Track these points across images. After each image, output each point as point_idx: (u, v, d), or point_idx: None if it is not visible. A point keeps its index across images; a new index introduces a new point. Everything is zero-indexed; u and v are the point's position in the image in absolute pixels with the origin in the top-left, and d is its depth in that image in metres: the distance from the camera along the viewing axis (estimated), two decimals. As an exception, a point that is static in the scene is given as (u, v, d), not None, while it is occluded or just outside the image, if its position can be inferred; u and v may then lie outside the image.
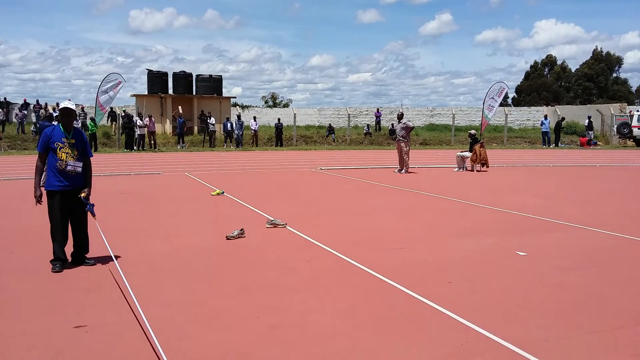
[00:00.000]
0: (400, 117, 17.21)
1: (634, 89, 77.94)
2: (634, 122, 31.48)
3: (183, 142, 28.35)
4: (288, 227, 8.01)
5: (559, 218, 8.76)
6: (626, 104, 41.17)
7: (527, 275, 5.64)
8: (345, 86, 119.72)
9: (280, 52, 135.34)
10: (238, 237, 7.34)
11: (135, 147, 26.58)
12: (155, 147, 27.23)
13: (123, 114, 27.56)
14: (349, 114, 36.11)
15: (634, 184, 14.02)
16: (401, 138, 16.47)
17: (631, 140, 32.18)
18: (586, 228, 8.02)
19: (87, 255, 6.05)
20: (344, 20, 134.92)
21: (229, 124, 30.03)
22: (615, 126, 32.81)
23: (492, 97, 27.81)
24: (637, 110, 34.00)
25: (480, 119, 29.57)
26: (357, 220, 8.79)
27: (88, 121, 26.49)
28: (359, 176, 15.63)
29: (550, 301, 4.82)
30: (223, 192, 11.74)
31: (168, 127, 32.70)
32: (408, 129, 16.61)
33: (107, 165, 18.63)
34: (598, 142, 32.42)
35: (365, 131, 35.48)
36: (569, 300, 4.83)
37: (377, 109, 39.43)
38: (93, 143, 25.42)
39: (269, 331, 4.13)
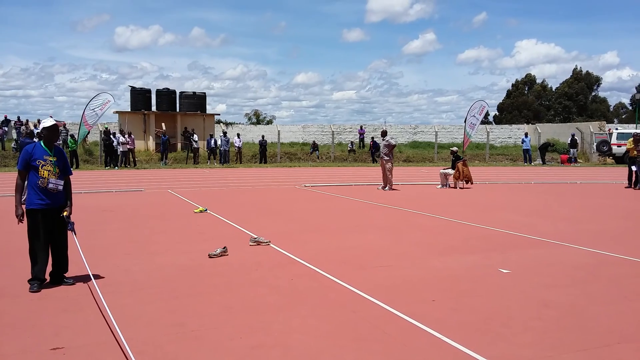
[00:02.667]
0: (383, 134, 17.30)
1: (612, 107, 79.48)
2: (613, 140, 32.01)
3: (166, 159, 28.18)
4: (271, 245, 7.95)
5: (541, 235, 8.82)
6: (605, 122, 41.90)
7: (511, 292, 5.65)
8: (330, 103, 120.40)
9: (265, 69, 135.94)
10: (221, 255, 7.26)
11: (118, 165, 26.35)
12: (135, 165, 27.00)
13: (104, 131, 27.34)
14: (332, 131, 36.23)
15: (614, 201, 14.20)
16: (384, 155, 16.54)
17: (611, 157, 32.69)
18: (569, 245, 8.08)
19: (66, 275, 5.93)
20: (329, 39, 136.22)
21: (212, 141, 29.94)
22: (595, 144, 33.34)
23: (474, 115, 28.12)
24: (616, 129, 34.64)
25: (463, 136, 29.85)
26: (341, 237, 8.75)
27: (68, 138, 26.26)
28: (343, 193, 15.62)
29: (534, 319, 4.82)
30: (206, 210, 11.64)
31: (151, 143, 32.50)
32: (390, 147, 16.69)
33: (88, 182, 18.42)
34: (578, 160, 32.88)
35: (349, 148, 35.60)
36: (552, 318, 4.83)
37: (361, 126, 39.63)
38: (74, 160, 25.16)
39: (251, 352, 4.07)
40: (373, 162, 31.36)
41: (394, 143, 17.14)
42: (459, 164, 17.22)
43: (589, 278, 6.26)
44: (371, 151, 33.01)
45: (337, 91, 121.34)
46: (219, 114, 46.19)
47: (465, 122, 29.24)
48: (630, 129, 36.17)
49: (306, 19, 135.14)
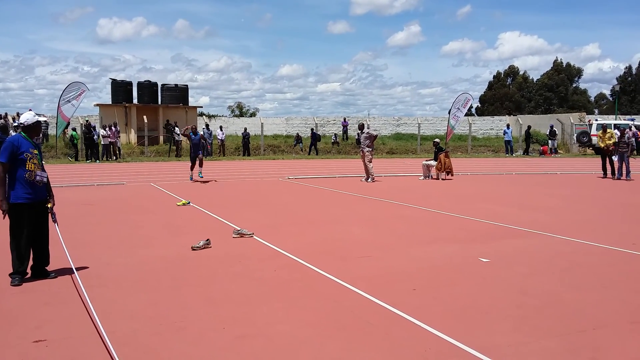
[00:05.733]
0: (361, 127, 17.33)
1: (592, 98, 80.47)
2: (593, 131, 32.44)
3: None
4: (255, 237, 7.98)
5: (521, 225, 8.95)
6: (585, 113, 42.45)
7: (491, 281, 5.75)
8: (314, 96, 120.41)
9: (249, 61, 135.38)
10: (204, 248, 7.27)
11: (99, 158, 26.11)
12: (116, 158, 26.77)
13: (85, 124, 27.04)
14: (316, 124, 36.22)
15: (593, 192, 14.44)
16: (365, 147, 16.60)
17: (590, 148, 33.14)
18: (548, 234, 8.22)
19: (48, 268, 5.89)
20: (315, 31, 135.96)
21: (180, 131, 29.75)
22: (575, 135, 33.78)
23: (458, 108, 28.33)
24: (596, 119, 35.11)
25: (446, 128, 30.06)
26: (324, 229, 8.81)
27: (70, 132, 26.21)
28: (327, 185, 15.67)
29: (513, 307, 4.91)
30: (189, 202, 11.61)
31: (133, 136, 32.22)
32: (372, 138, 16.75)
33: (69, 176, 18.23)
34: (559, 151, 33.30)
35: (332, 140, 35.63)
36: (531, 306, 4.94)
37: (344, 119, 39.67)
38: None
39: (235, 342, 4.10)
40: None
41: (375, 134, 17.19)
42: (441, 156, 17.36)
43: (566, 266, 6.39)
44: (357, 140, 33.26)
45: (321, 83, 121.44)
46: (202, 107, 45.90)
47: (449, 114, 29.44)
48: (610, 119, 36.71)
49: (291, 11, 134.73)
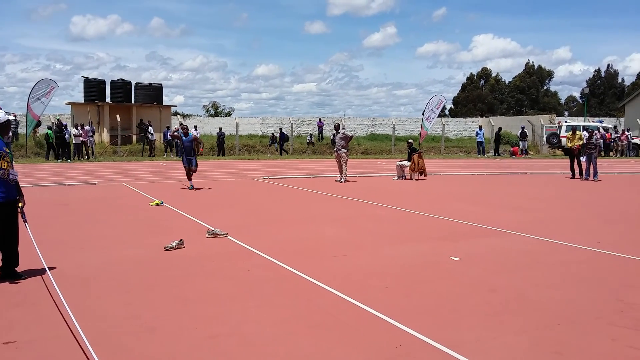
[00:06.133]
0: (337, 127, 17.44)
1: (563, 101, 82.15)
2: (563, 133, 33.12)
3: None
4: (229, 237, 7.99)
5: (491, 224, 9.14)
6: (555, 115, 43.32)
7: (460, 279, 5.87)
8: (290, 96, 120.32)
9: (225, 61, 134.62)
10: (177, 248, 7.25)
11: (71, 158, 25.70)
12: (88, 158, 26.38)
13: (56, 122, 26.60)
14: (292, 124, 36.24)
15: (562, 192, 14.78)
16: (341, 148, 16.70)
17: (560, 149, 33.84)
18: (516, 233, 8.41)
19: (17, 269, 5.82)
20: (291, 31, 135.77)
21: (168, 133, 29.50)
22: (545, 136, 34.46)
23: (431, 109, 28.68)
24: (566, 121, 35.87)
25: (420, 129, 30.37)
26: (298, 228, 8.86)
27: (46, 130, 25.84)
28: (302, 185, 15.72)
29: (481, 304, 5.04)
30: (162, 203, 11.54)
31: (105, 136, 31.79)
32: (347, 139, 16.87)
33: (40, 175, 17.93)
34: (529, 152, 33.93)
35: (308, 140, 35.70)
36: (498, 303, 5.07)
37: (320, 119, 39.78)
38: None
39: (208, 341, 4.13)
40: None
41: (350, 135, 17.33)
42: (415, 156, 17.56)
43: (533, 264, 6.55)
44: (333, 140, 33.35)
45: (297, 83, 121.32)
46: (176, 106, 45.62)
47: (423, 115, 29.76)
48: (580, 122, 37.56)
49: (267, 10, 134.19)
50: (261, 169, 21.88)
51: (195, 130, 30.60)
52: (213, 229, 8.28)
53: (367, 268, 6.34)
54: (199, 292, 5.36)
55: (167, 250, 7.15)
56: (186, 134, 14.51)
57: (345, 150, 16.76)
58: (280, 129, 33.16)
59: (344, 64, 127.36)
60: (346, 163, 16.76)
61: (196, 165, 14.46)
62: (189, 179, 14.44)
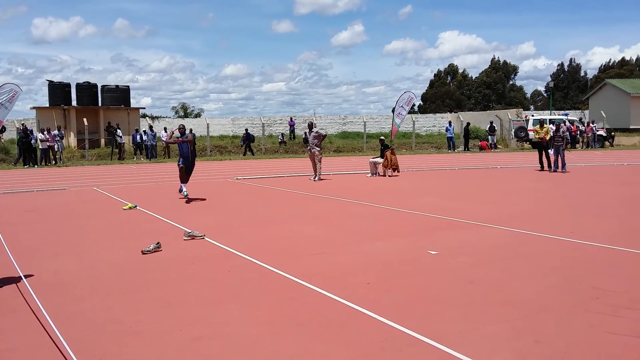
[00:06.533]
0: (310, 126, 17.47)
1: (528, 95, 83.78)
2: (530, 126, 33.80)
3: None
4: (206, 239, 7.93)
5: (466, 218, 9.28)
6: (522, 109, 44.16)
7: (439, 272, 5.95)
8: (260, 95, 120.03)
9: (192, 61, 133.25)
10: (155, 251, 7.17)
11: (38, 163, 25.11)
12: (55, 162, 25.81)
13: (22, 128, 25.95)
14: (263, 124, 36.10)
15: (532, 184, 15.09)
16: (314, 146, 16.73)
17: (527, 143, 34.51)
18: (490, 226, 8.56)
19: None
20: (258, 30, 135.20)
21: (138, 136, 29.09)
22: (513, 130, 35.12)
23: (402, 106, 28.87)
24: (532, 115, 36.61)
25: (391, 126, 30.60)
26: (276, 228, 8.84)
27: (17, 136, 25.14)
28: (276, 185, 15.69)
29: (461, 296, 5.12)
30: (135, 206, 11.39)
31: (72, 140, 31.16)
32: (320, 137, 16.91)
33: (7, 182, 17.48)
34: (498, 146, 34.52)
35: (280, 140, 35.63)
36: (477, 294, 5.16)
37: (291, 118, 39.76)
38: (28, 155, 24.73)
39: (192, 343, 4.10)
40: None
41: (324, 133, 17.41)
42: (388, 153, 17.70)
43: (509, 256, 6.69)
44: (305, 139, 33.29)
45: (266, 83, 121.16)
46: (144, 108, 44.97)
47: (393, 112, 29.98)
48: (546, 115, 38.38)
49: (234, 10, 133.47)
50: (234, 169, 21.75)
51: (165, 132, 30.24)
52: (190, 230, 8.20)
53: (348, 265, 6.38)
54: (181, 295, 5.31)
55: (144, 253, 7.06)
56: (182, 133, 12.88)
57: (319, 149, 16.80)
58: (246, 130, 32.91)
59: (313, 63, 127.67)
60: (320, 161, 16.80)
61: (192, 168, 13.04)
62: (183, 181, 12.77)
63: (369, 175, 18.15)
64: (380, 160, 18.07)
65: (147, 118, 41.56)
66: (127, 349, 4.01)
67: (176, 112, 66.20)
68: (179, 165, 12.78)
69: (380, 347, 3.96)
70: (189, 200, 12.38)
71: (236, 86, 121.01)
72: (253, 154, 31.04)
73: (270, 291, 5.40)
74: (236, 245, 7.45)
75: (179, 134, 12.90)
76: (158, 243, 7.35)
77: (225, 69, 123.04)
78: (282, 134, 37.07)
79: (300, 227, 8.86)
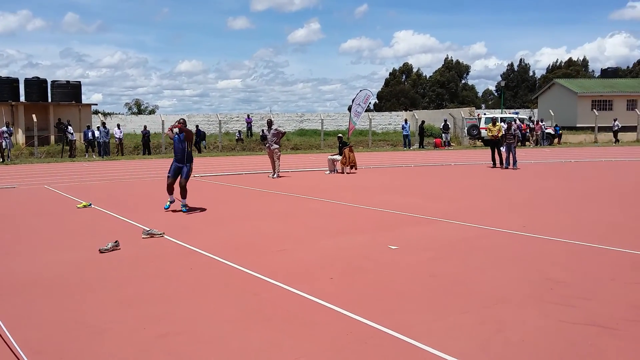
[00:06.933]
0: (269, 123, 17.44)
1: (480, 94, 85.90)
2: (482, 125, 34.68)
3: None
4: (166, 237, 7.82)
5: (423, 213, 9.47)
6: (474, 108, 45.26)
7: (401, 267, 6.07)
8: (215, 92, 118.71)
9: (145, 57, 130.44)
10: (113, 250, 7.03)
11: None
12: (3, 160, 24.83)
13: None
14: (220, 120, 35.73)
15: (485, 181, 15.51)
16: (273, 144, 16.71)
17: (480, 140, 35.42)
18: (447, 221, 8.77)
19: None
20: (214, 27, 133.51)
21: (90, 133, 28.31)
22: (466, 128, 35.97)
23: (359, 104, 29.07)
24: (484, 114, 37.59)
25: (348, 123, 30.81)
26: (237, 225, 8.80)
27: None
28: (235, 182, 15.59)
29: (423, 288, 5.24)
30: (90, 204, 11.10)
31: (20, 137, 30.05)
32: (279, 135, 16.91)
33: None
34: (451, 143, 35.28)
35: (237, 137, 35.35)
36: (439, 287, 5.29)
37: (248, 115, 39.49)
38: None
39: (157, 341, 4.05)
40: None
41: (283, 131, 17.42)
42: (346, 150, 17.84)
43: (467, 249, 6.88)
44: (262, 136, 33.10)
45: (222, 80, 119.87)
46: (96, 104, 43.72)
47: (350, 110, 30.19)
48: (497, 113, 39.44)
49: (189, 5, 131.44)
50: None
51: (119, 129, 29.55)
52: (149, 229, 8.07)
53: (310, 261, 6.42)
54: (143, 293, 5.24)
55: (102, 252, 6.91)
56: (183, 130, 10.36)
57: (278, 146, 16.79)
58: (197, 126, 32.43)
59: (269, 60, 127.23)
60: (279, 159, 16.80)
61: (187, 176, 10.35)
62: (170, 192, 10.42)
63: (328, 172, 18.25)
64: (338, 157, 18.19)
65: (100, 115, 40.46)
66: (90, 349, 3.93)
67: (129, 109, 64.80)
68: (168, 176, 10.49)
69: (346, 340, 4.02)
70: (190, 210, 10.28)
71: (191, 83, 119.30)
72: (199, 152, 30.60)
73: (233, 288, 5.39)
74: (197, 243, 7.38)
75: (177, 131, 10.46)
76: (116, 242, 7.20)
77: (179, 65, 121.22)
78: (240, 131, 36.77)
79: (261, 224, 8.84)
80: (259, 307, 4.80)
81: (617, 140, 35.76)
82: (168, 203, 10.41)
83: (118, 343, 4.03)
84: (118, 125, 30.26)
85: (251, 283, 5.53)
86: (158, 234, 7.91)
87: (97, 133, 28.05)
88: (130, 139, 33.49)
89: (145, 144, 30.02)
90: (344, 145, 18.21)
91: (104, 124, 28.71)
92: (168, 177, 10.44)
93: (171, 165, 10.48)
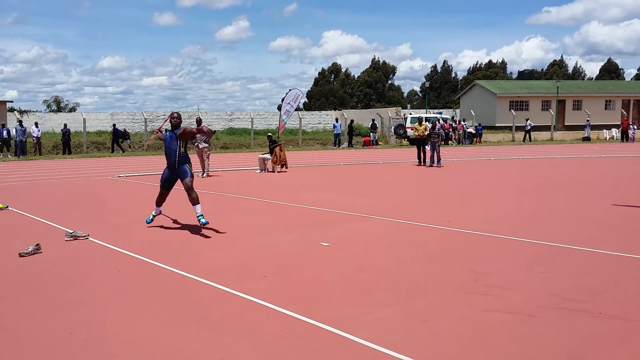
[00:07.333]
0: (198, 122, 17.15)
1: (405, 94, 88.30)
2: (408, 124, 35.71)
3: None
4: (91, 239, 7.56)
5: (352, 210, 9.67)
6: (400, 107, 46.51)
7: (332, 262, 6.19)
8: (140, 90, 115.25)
9: (65, 52, 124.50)
10: (34, 253, 6.72)
11: None
12: None
13: None
14: (145, 119, 34.73)
15: (411, 178, 16.01)
16: (202, 142, 16.47)
17: (406, 139, 36.46)
18: (375, 217, 9.00)
19: None
20: (139, 22, 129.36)
21: (4, 131, 26.76)
22: (393, 127, 36.94)
23: (289, 102, 29.19)
24: (410, 113, 38.72)
25: (278, 122, 30.84)
26: (166, 225, 8.63)
27: None
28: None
29: (354, 283, 5.38)
30: (7, 207, 10.53)
31: None
32: (209, 133, 16.68)
33: None
34: (379, 142, 36.11)
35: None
36: (369, 281, 5.44)
37: (175, 114, 38.61)
38: None
39: (86, 345, 3.94)
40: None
41: (212, 130, 17.18)
42: (277, 149, 17.86)
43: (394, 244, 7.11)
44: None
45: (147, 77, 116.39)
46: (12, 101, 41.37)
47: (280, 109, 30.22)
48: (422, 113, 40.69)
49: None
50: (114, 166, 20.75)
51: (37, 127, 28.12)
52: (72, 231, 7.77)
53: (243, 259, 6.42)
54: (69, 297, 5.05)
55: (22, 256, 6.59)
56: (176, 126, 8.35)
57: (207, 145, 16.57)
58: (114, 125, 31.35)
59: (197, 57, 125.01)
60: (208, 158, 16.59)
61: (190, 174, 8.22)
62: (159, 200, 8.53)
63: (258, 171, 18.20)
64: (269, 156, 18.19)
65: (16, 112, 38.28)
66: (16, 355, 3.76)
67: (48, 106, 61.63)
68: (160, 183, 8.54)
69: (280, 336, 4.07)
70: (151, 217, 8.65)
71: (114, 79, 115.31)
72: (123, 151, 29.72)
73: (164, 289, 5.31)
74: (123, 244, 7.19)
75: (168, 127, 8.66)
76: (37, 245, 6.89)
77: (101, 61, 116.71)
78: (167, 130, 35.87)
79: (192, 224, 8.71)
80: (191, 307, 4.76)
81: (530, 139, 37.84)
82: (151, 216, 8.42)
83: (46, 349, 3.88)
84: (36, 124, 28.76)
85: (183, 283, 5.47)
86: (82, 236, 7.63)
87: (12, 132, 26.54)
88: (49, 137, 31.94)
89: (66, 143, 28.72)
90: (274, 143, 18.22)
91: (20, 122, 27.22)
92: (160, 187, 8.46)
93: (163, 172, 8.45)
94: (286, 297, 4.95)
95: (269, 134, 19.50)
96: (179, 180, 8.36)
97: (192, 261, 6.30)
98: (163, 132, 8.89)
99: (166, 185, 8.42)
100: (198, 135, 16.58)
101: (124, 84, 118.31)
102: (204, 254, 6.68)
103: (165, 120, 9.13)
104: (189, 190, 7.99)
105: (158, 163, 22.19)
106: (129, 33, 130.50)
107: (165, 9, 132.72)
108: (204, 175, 16.40)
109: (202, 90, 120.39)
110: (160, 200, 8.56)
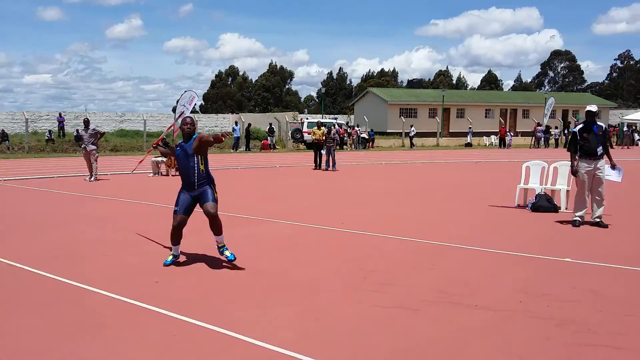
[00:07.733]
0: (86, 123, 16.33)
1: (302, 99, 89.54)
2: (305, 129, 36.26)
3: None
4: (-36, 248, 6.99)
5: (249, 213, 9.71)
6: (298, 112, 47.14)
7: (228, 266, 6.20)
8: (20, 88, 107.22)
9: None
10: None
11: None
12: None
13: None
14: (26, 119, 32.38)
15: (307, 180, 16.32)
16: (90, 144, 15.71)
17: (303, 144, 37.00)
18: (272, 220, 9.12)
19: None
20: (21, 16, 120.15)
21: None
22: (290, 132, 37.35)
23: (183, 105, 28.51)
24: (307, 118, 39.36)
25: (173, 125, 30.05)
26: (51, 233, 8.17)
27: None
28: (46, 186, 14.32)
29: (250, 285, 5.45)
30: None
31: None
32: (97, 135, 15.97)
33: None
34: (277, 146, 36.34)
35: (47, 137, 32.37)
36: (265, 282, 5.53)
37: (60, 114, 36.38)
38: None
39: (-40, 361, 3.68)
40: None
41: (101, 131, 16.48)
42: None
43: (291, 246, 7.26)
44: (77, 137, 30.65)
45: (29, 74, 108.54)
46: None
47: (174, 111, 29.46)
48: (318, 118, 41.47)
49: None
50: (-8, 170, 19.19)
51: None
52: (-58, 240, 7.14)
53: (134, 265, 6.26)
54: (-63, 311, 4.67)
55: None
56: (190, 135, 6.45)
57: (95, 147, 15.82)
58: None
59: (85, 55, 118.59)
60: (96, 161, 15.84)
61: (214, 199, 6.47)
62: (175, 240, 6.42)
63: (152, 174, 17.67)
64: (163, 159, 17.71)
65: None
66: None
67: None
68: (175, 210, 6.55)
69: (173, 341, 4.05)
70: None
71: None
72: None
73: (49, 299, 5.05)
74: (6, 254, 6.72)
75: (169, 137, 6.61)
76: None
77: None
78: (50, 131, 33.70)
79: (78, 230, 8.32)
80: (77, 316, 4.58)
81: (412, 145, 39.77)
82: (171, 257, 6.38)
83: None
84: None
85: (69, 292, 5.24)
86: (-46, 245, 7.03)
87: None
88: None
89: None
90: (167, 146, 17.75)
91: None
92: (175, 212, 6.48)
93: (178, 195, 6.66)
94: (179, 302, 4.91)
95: (164, 137, 18.96)
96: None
97: (80, 269, 6.03)
98: (166, 147, 7.27)
99: (184, 211, 6.47)
100: (85, 137, 15.79)
101: (3, 82, 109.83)
102: (94, 261, 6.41)
103: (169, 128, 7.00)
104: (213, 217, 6.27)
105: (42, 166, 20.83)
106: (9, 27, 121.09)
107: (50, 3, 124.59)
108: (92, 179, 15.64)
109: (90, 89, 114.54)
110: (176, 235, 6.39)
